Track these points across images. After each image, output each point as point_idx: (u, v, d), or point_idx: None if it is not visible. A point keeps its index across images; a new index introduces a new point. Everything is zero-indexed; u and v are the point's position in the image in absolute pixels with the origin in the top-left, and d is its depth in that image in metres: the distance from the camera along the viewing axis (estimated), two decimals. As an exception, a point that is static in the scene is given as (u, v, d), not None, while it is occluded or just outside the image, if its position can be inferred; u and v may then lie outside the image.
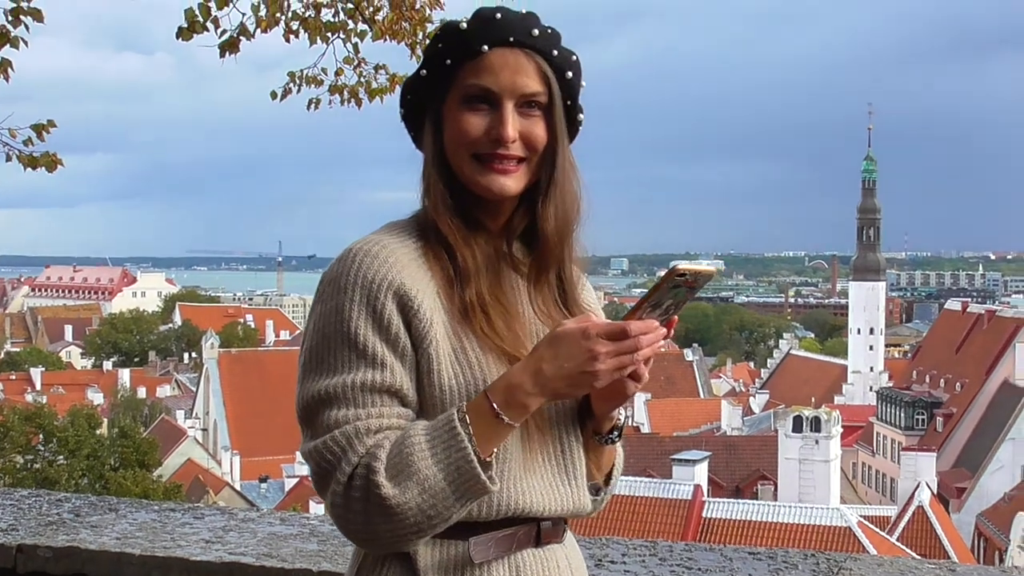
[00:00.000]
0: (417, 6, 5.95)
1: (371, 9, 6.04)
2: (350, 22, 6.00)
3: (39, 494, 4.57)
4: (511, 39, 2.12)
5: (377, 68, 6.39)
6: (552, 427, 2.18)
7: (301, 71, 6.37)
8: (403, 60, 6.30)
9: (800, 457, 47.99)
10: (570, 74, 2.17)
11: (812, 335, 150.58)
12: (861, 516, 40.75)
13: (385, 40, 5.97)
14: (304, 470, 61.07)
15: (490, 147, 2.13)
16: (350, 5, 5.91)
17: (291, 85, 6.40)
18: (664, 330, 2.04)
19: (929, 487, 48.01)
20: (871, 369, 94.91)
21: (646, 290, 2.02)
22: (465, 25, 2.13)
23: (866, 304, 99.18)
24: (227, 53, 5.89)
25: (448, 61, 2.13)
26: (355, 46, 6.10)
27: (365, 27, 5.99)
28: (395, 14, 5.82)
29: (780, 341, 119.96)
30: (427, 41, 6.01)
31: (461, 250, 2.14)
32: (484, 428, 2.00)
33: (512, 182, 2.15)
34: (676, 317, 2.08)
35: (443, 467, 1.98)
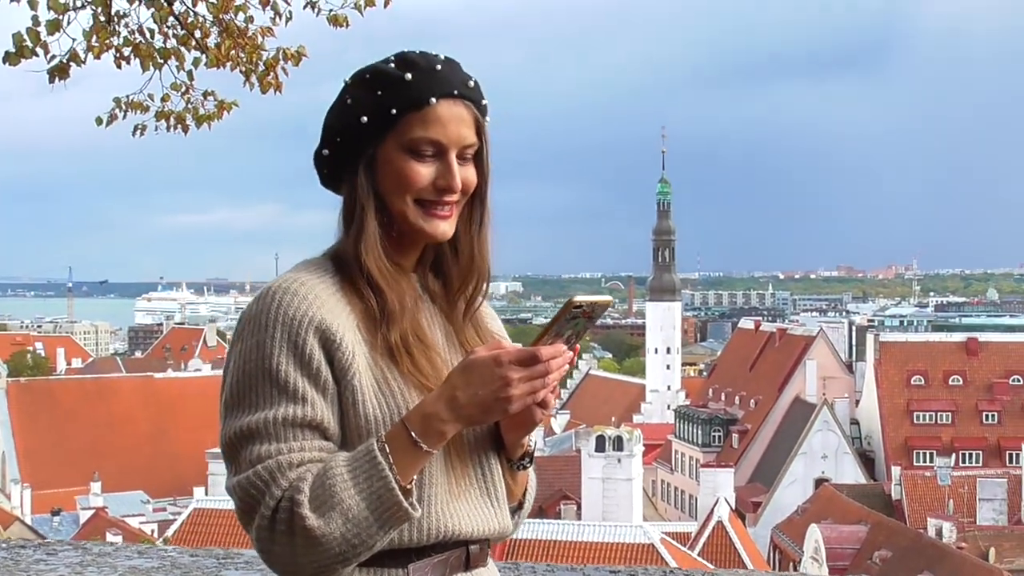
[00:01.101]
0: (249, 33, 5.92)
1: (200, 34, 5.98)
2: (183, 49, 5.94)
3: None
4: (455, 92, 2.19)
5: (206, 95, 6.31)
6: (472, 452, 2.24)
7: (127, 97, 6.26)
8: (235, 86, 6.26)
9: (603, 476, 48.62)
10: (488, 118, 2.27)
11: (610, 355, 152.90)
12: (663, 533, 41.57)
13: (219, 67, 5.93)
14: (99, 501, 59.47)
15: (435, 195, 2.20)
16: (182, 31, 5.84)
17: (116, 111, 6.28)
18: (570, 354, 2.10)
19: (727, 502, 49.25)
20: (668, 388, 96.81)
21: (546, 320, 2.08)
22: (409, 76, 2.17)
23: (662, 324, 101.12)
24: (56, 79, 5.76)
25: (393, 111, 2.18)
26: (189, 73, 6.03)
27: (198, 54, 5.93)
28: (230, 42, 5.79)
29: (579, 361, 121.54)
30: (262, 67, 6.00)
31: (390, 290, 2.20)
32: (403, 456, 2.06)
33: (449, 226, 2.24)
34: (578, 346, 2.15)
35: (365, 496, 2.03)
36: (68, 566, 3.88)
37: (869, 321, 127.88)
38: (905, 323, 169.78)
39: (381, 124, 2.19)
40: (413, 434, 2.06)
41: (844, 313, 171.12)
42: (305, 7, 5.87)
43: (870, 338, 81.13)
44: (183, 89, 6.24)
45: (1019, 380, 75.90)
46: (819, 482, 63.37)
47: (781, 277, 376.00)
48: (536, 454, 2.37)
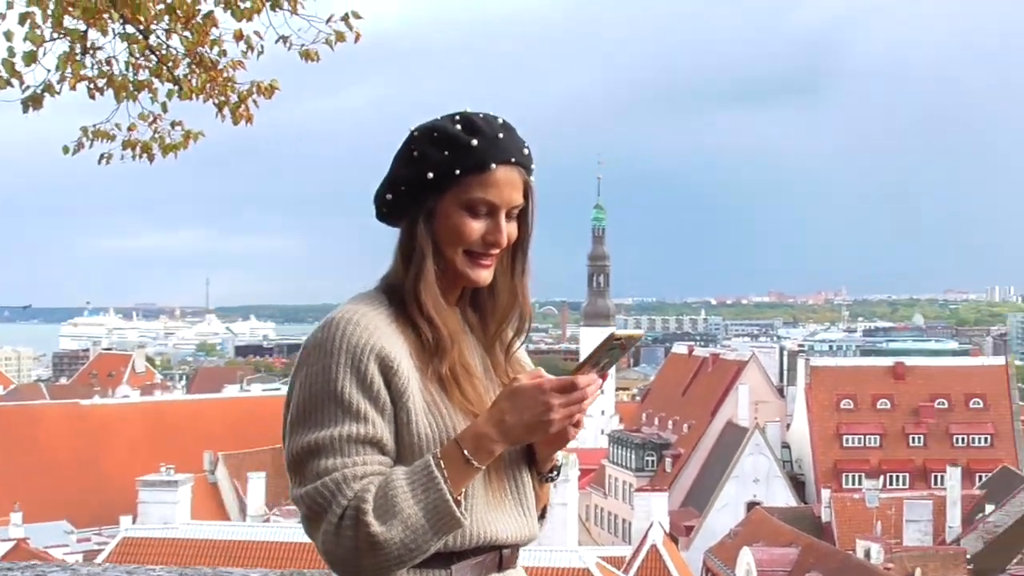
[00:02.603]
0: (220, 66, 6.09)
1: (170, 64, 6.13)
2: (156, 81, 6.09)
3: None
4: (512, 159, 2.47)
5: (173, 124, 6.47)
6: (508, 467, 2.53)
7: (94, 125, 6.39)
8: (202, 117, 6.41)
9: (539, 501, 48.63)
10: (534, 179, 2.55)
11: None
12: (599, 557, 41.70)
13: (193, 99, 6.10)
14: (19, 532, 58.02)
15: (483, 248, 2.50)
16: (156, 64, 5.99)
17: (84, 139, 6.40)
18: (600, 381, 2.41)
19: (661, 526, 49.43)
20: (602, 412, 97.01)
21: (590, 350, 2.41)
22: (475, 142, 2.43)
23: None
24: (31, 109, 5.90)
25: (457, 172, 2.44)
26: (163, 105, 6.18)
27: (172, 86, 6.08)
28: (206, 75, 5.96)
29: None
30: (235, 99, 6.18)
31: (444, 325, 2.48)
32: (456, 471, 2.34)
33: (490, 274, 2.54)
34: (607, 372, 2.45)
35: (423, 506, 2.31)
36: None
37: (799, 346, 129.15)
38: (834, 348, 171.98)
39: (445, 182, 2.45)
40: (466, 452, 2.35)
41: (775, 338, 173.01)
42: (277, 41, 6.05)
43: (801, 363, 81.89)
44: (151, 119, 6.39)
45: (944, 404, 76.96)
46: (751, 505, 63.77)
47: (714, 303, 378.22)
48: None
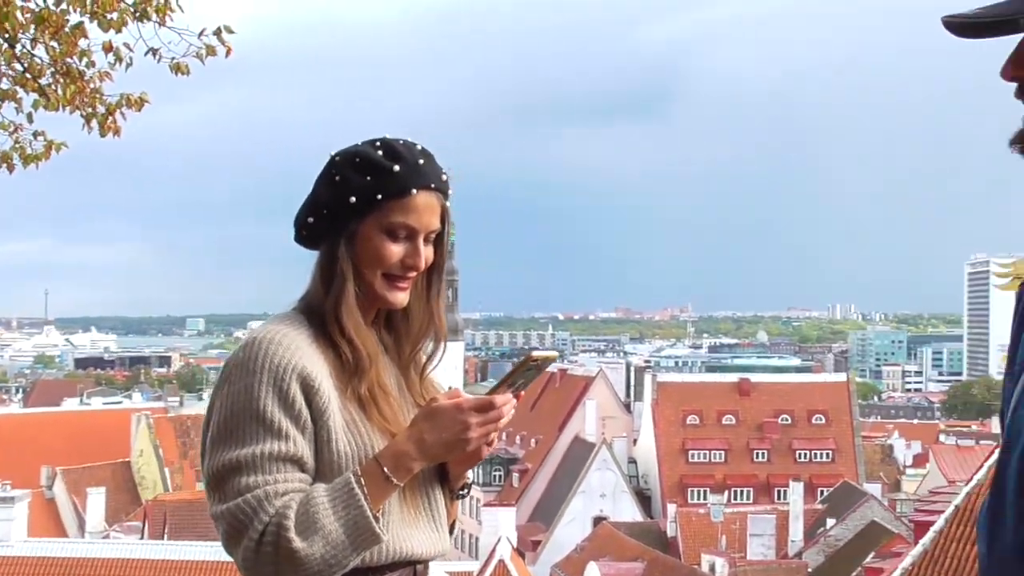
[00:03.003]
0: (87, 77, 5.96)
1: (35, 74, 5.99)
2: (20, 90, 5.94)
3: None
4: (432, 185, 2.56)
5: (36, 135, 6.32)
6: (421, 485, 2.59)
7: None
8: (66, 127, 6.28)
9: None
10: (449, 204, 2.64)
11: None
12: (446, 572, 41.68)
13: (59, 110, 5.96)
14: None
15: (401, 271, 2.58)
16: (22, 73, 5.84)
17: (-62, 149, 6.23)
18: (515, 401, 2.53)
19: (509, 541, 49.60)
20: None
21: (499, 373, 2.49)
22: (397, 168, 2.51)
23: (444, 363, 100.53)
24: None
25: (379, 197, 2.51)
26: (29, 115, 6.03)
27: (37, 96, 5.94)
28: (73, 87, 5.82)
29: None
30: (103, 111, 6.04)
31: (362, 344, 2.54)
32: (375, 488, 2.42)
33: (406, 296, 2.62)
34: (523, 392, 2.57)
35: (343, 522, 2.37)
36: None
37: (646, 362, 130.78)
38: (680, 364, 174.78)
39: (367, 206, 2.53)
40: (385, 469, 2.43)
41: (622, 354, 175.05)
42: (147, 54, 5.95)
43: (647, 378, 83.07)
44: (11, 128, 6.23)
45: (787, 419, 78.69)
46: (597, 520, 64.31)
47: (561, 318, 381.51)
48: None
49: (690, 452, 76.93)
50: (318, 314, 2.55)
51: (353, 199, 2.52)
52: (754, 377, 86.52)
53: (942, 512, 21.89)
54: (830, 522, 54.30)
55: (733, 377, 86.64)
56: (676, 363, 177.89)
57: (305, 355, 2.46)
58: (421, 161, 2.54)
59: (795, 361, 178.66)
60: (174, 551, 35.42)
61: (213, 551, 36.75)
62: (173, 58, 5.95)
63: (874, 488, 62.57)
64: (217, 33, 5.94)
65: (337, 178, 2.54)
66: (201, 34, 5.92)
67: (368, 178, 2.52)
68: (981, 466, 20.52)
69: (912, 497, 57.75)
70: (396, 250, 2.55)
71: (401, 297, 2.60)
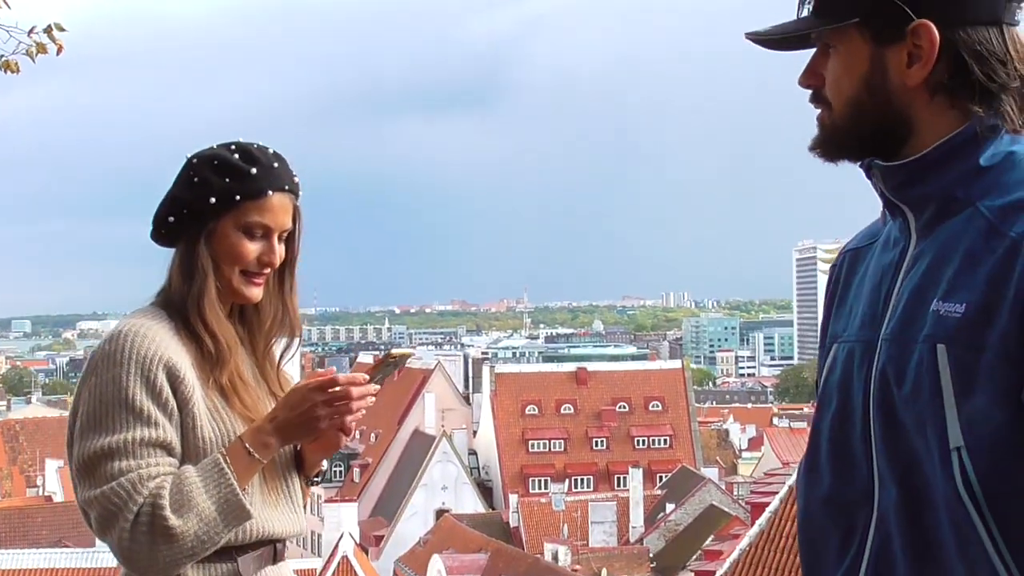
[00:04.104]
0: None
1: None
2: None
3: None
4: (285, 187, 2.74)
5: None
6: (279, 469, 2.79)
7: None
8: None
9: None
10: (299, 202, 2.82)
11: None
12: (293, 571, 41.32)
13: None
14: None
15: (257, 268, 2.75)
16: None
17: None
18: (374, 387, 2.70)
19: (352, 537, 49.40)
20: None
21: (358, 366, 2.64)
22: (254, 171, 2.69)
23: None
24: None
25: (237, 197, 2.68)
26: None
27: None
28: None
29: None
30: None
31: (221, 334, 2.70)
32: (240, 466, 2.60)
33: (260, 291, 2.80)
34: (381, 385, 2.74)
35: (215, 500, 2.54)
36: None
37: (484, 353, 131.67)
38: (518, 355, 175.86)
39: (225, 206, 2.68)
40: (248, 446, 2.61)
41: (459, 346, 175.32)
42: (-26, 52, 5.72)
43: (486, 370, 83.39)
44: None
45: (625, 407, 79.83)
46: (440, 513, 64.42)
47: (397, 311, 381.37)
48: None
49: (530, 442, 77.50)
50: (179, 308, 2.70)
51: (213, 199, 2.67)
52: (591, 366, 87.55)
53: (777, 493, 22.48)
54: (669, 507, 55.18)
55: (570, 367, 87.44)
56: (514, 354, 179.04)
57: (169, 347, 2.61)
58: (275, 164, 2.72)
59: (631, 349, 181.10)
60: (4, 560, 34.43)
61: (44, 558, 35.82)
62: (2, 56, 5.76)
63: (711, 472, 63.80)
64: (48, 31, 5.76)
65: (196, 179, 2.68)
66: (31, 32, 5.73)
67: (227, 180, 2.67)
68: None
69: (748, 480, 59.02)
70: (253, 248, 2.71)
71: (256, 292, 2.77)
